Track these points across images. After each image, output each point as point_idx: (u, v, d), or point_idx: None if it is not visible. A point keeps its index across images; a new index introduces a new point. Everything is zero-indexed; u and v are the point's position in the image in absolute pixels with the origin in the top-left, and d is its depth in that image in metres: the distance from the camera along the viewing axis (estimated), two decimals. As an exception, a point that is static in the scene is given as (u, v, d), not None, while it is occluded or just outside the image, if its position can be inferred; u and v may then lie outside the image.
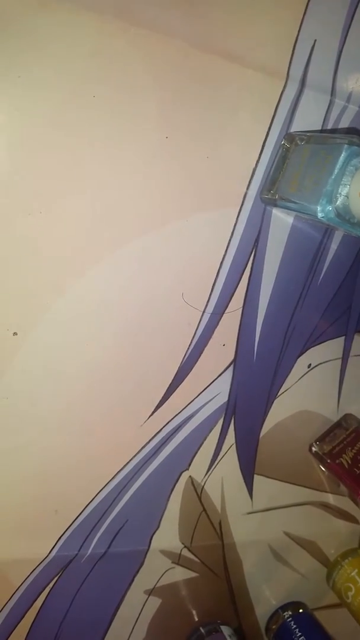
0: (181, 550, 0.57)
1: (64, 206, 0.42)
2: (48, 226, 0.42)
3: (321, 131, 0.48)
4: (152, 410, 0.51)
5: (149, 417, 0.51)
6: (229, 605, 0.62)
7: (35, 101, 0.39)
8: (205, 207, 0.47)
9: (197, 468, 0.55)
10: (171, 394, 0.51)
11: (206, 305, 0.50)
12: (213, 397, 0.53)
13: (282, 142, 0.46)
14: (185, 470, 0.54)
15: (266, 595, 0.64)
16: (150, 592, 0.57)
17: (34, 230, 0.42)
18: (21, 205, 0.41)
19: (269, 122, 0.46)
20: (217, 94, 0.44)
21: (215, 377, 0.52)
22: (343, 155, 0.39)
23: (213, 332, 0.51)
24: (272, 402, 0.56)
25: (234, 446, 0.55)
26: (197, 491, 0.56)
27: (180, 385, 0.51)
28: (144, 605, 0.57)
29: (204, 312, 0.49)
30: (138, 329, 0.48)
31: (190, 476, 0.55)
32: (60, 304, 0.44)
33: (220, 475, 0.56)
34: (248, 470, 0.57)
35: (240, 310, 0.51)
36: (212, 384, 0.52)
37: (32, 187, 0.41)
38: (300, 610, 0.63)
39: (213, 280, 0.49)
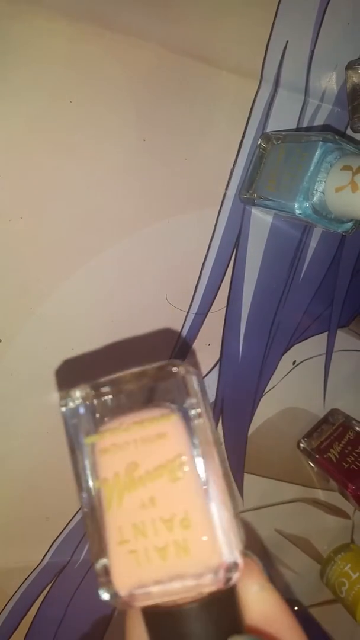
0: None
1: (45, 211, 0.42)
2: (29, 231, 0.42)
3: (296, 130, 0.49)
4: (140, 412, 0.51)
5: (137, 419, 0.51)
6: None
7: (12, 108, 0.40)
8: (185, 209, 0.47)
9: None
10: (158, 396, 0.51)
11: (190, 306, 0.50)
12: (200, 397, 0.53)
13: (259, 142, 0.47)
14: (175, 471, 0.54)
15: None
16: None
17: (16, 235, 0.42)
18: (1, 212, 0.41)
19: (244, 122, 0.47)
20: (193, 96, 0.45)
21: (201, 377, 0.53)
22: (318, 152, 0.40)
23: (198, 333, 0.51)
24: (259, 400, 0.56)
25: (223, 445, 0.56)
26: (188, 492, 0.56)
27: (167, 387, 0.51)
28: (139, 609, 0.57)
29: (188, 312, 0.50)
30: (123, 331, 0.48)
31: (180, 477, 0.55)
32: (44, 308, 0.44)
33: (210, 475, 0.56)
34: (237, 468, 0.57)
35: (224, 310, 0.51)
36: (198, 384, 0.52)
37: (12, 193, 0.41)
38: (295, 608, 0.64)
39: (196, 281, 0.50)
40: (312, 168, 0.39)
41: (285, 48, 0.46)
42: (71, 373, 0.47)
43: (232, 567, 0.21)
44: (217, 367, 0.53)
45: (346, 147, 0.40)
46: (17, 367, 0.45)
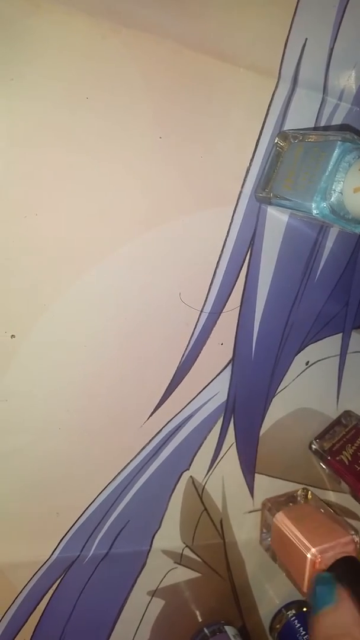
0: (183, 550, 0.57)
1: (60, 208, 0.43)
2: (44, 228, 0.42)
3: (314, 129, 0.48)
4: (152, 410, 0.51)
5: (149, 417, 0.51)
6: (232, 606, 0.62)
7: (28, 103, 0.40)
8: (200, 207, 0.47)
9: (198, 468, 0.55)
10: (170, 394, 0.51)
11: (204, 305, 0.50)
12: (212, 397, 0.53)
13: (276, 141, 0.46)
14: (186, 470, 0.54)
15: (269, 594, 0.64)
16: (153, 593, 0.57)
17: (30, 232, 0.42)
18: (16, 208, 0.41)
19: (262, 120, 0.46)
20: (209, 94, 0.44)
21: (214, 377, 0.52)
22: (336, 152, 0.39)
23: (211, 332, 0.51)
24: (271, 401, 0.56)
25: (234, 445, 0.55)
26: (198, 491, 0.56)
27: (179, 385, 0.51)
28: (147, 606, 0.57)
29: (201, 311, 0.50)
30: (136, 329, 0.48)
31: (191, 476, 0.55)
32: (58, 305, 0.44)
33: (221, 475, 0.56)
34: (249, 468, 0.57)
35: (237, 309, 0.51)
36: (211, 383, 0.52)
37: (27, 189, 0.41)
38: (304, 609, 0.63)
39: (210, 280, 0.49)
40: (330, 168, 0.39)
41: (304, 46, 0.46)
42: (83, 370, 0.47)
43: None
44: (229, 367, 0.53)
45: (365, 147, 0.40)
46: (30, 362, 0.45)
